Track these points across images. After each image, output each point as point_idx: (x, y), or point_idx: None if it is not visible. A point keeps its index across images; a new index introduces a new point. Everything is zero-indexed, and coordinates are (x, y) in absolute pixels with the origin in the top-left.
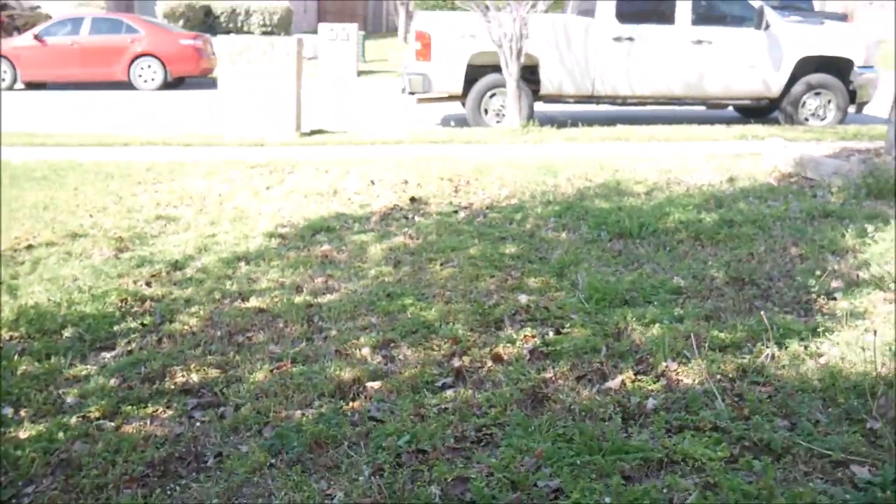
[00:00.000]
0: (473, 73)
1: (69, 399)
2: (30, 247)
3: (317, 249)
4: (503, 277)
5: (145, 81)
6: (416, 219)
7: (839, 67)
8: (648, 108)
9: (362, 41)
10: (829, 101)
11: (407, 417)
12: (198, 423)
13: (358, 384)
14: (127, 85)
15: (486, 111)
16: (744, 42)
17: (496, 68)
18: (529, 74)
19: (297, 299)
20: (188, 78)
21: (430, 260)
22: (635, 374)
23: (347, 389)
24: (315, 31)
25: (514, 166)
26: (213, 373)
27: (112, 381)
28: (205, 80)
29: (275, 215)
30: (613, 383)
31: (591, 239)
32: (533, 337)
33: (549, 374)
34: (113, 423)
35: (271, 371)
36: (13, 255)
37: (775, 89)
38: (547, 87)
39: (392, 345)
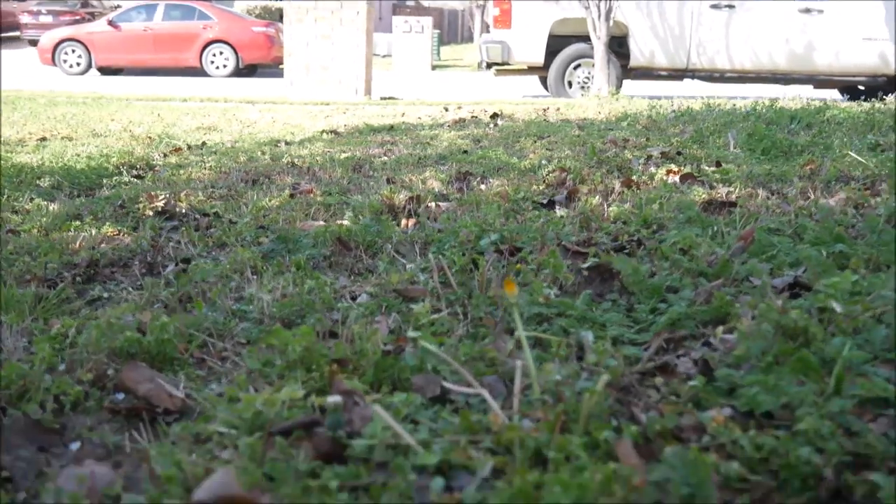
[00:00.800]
0: (556, 43)
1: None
2: (43, 139)
3: (377, 137)
4: None
5: (217, 68)
6: (499, 122)
7: None
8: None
9: (438, 39)
10: None
11: (496, 219)
12: (168, 238)
13: (418, 204)
14: (199, 71)
15: (569, 84)
16: (859, 11)
17: (581, 38)
18: (617, 46)
19: (343, 156)
20: (260, 66)
21: (514, 136)
22: None
23: (401, 209)
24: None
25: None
26: (215, 204)
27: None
28: (278, 70)
29: (332, 125)
30: None
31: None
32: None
33: None
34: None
35: (291, 196)
36: (21, 143)
37: (894, 64)
38: (637, 58)
39: (471, 177)
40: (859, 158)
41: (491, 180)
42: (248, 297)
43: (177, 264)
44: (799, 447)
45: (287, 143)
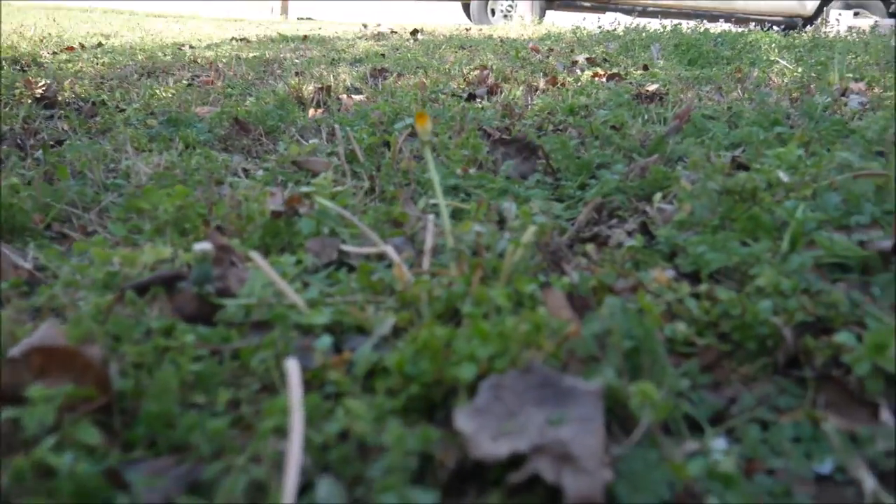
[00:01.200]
0: None
1: None
2: None
3: (289, 45)
4: None
5: None
6: (420, 37)
7: None
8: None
9: None
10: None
11: (411, 104)
12: (44, 125)
13: (328, 95)
14: None
15: (493, 12)
16: None
17: None
18: None
19: (251, 55)
20: None
21: (435, 46)
22: None
23: (309, 100)
24: None
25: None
26: (102, 93)
27: None
28: None
29: (243, 34)
30: None
31: None
32: None
33: None
34: None
35: (188, 85)
36: None
37: (809, 6)
38: None
39: (387, 73)
40: (787, 65)
41: (408, 75)
42: (125, 169)
43: (52, 146)
44: (756, 305)
45: (192, 47)
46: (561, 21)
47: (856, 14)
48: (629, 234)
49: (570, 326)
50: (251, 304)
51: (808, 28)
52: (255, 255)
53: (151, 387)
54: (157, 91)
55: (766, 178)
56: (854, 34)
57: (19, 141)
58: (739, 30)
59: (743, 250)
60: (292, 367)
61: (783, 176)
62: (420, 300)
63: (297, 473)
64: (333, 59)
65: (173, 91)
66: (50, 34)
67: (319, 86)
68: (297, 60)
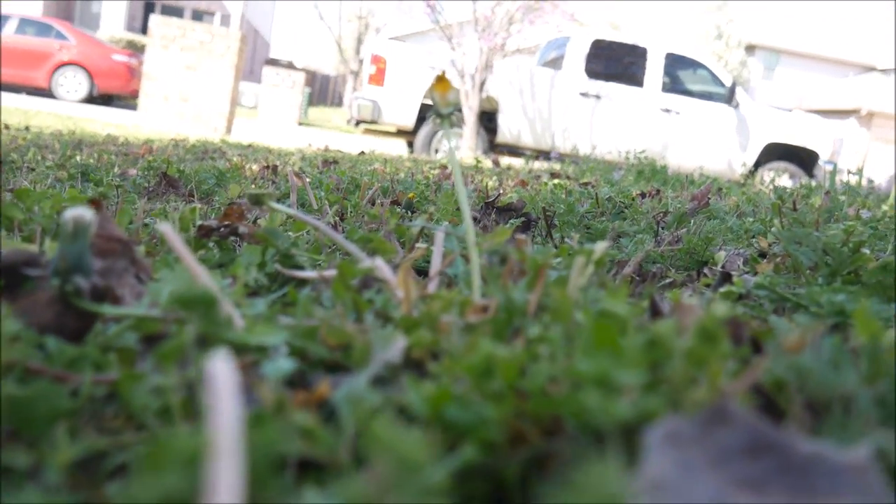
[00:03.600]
0: (427, 109)
1: None
2: None
3: (233, 150)
4: None
5: (67, 92)
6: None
7: (804, 158)
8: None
9: (307, 98)
10: None
11: (372, 180)
12: None
13: (275, 174)
14: (47, 94)
15: (436, 151)
16: (713, 118)
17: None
18: (487, 121)
19: (190, 144)
20: (118, 98)
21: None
22: None
23: (253, 177)
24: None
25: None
26: (11, 154)
27: None
28: (136, 104)
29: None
30: None
31: None
32: None
33: None
34: None
35: (116, 154)
36: None
37: (739, 172)
38: (505, 134)
39: (336, 164)
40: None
41: (362, 166)
42: None
43: None
44: None
45: (127, 140)
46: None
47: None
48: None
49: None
50: (150, 317)
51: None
52: (166, 229)
53: None
54: (78, 156)
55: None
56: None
57: None
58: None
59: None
60: (219, 372)
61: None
62: (441, 323)
63: None
64: (279, 155)
65: (97, 155)
66: None
67: (265, 165)
68: (239, 154)
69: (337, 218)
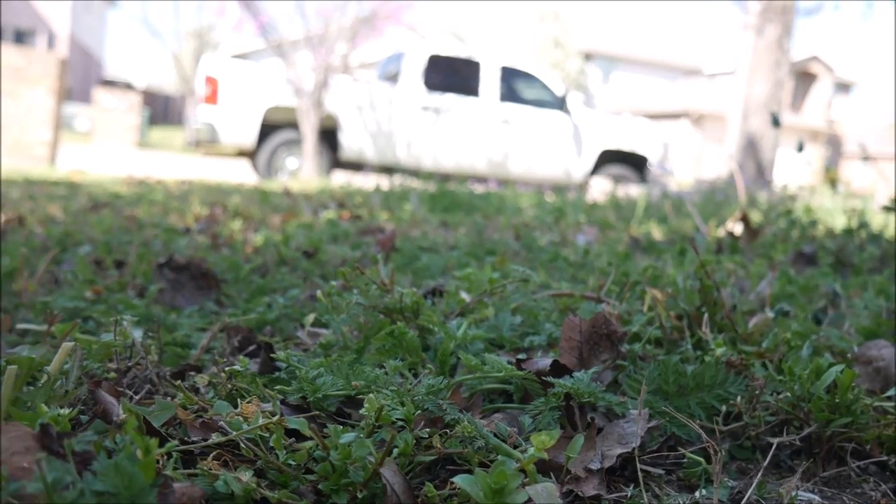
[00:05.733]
0: (267, 129)
1: None
2: None
3: (43, 188)
4: None
5: None
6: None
7: (636, 162)
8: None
9: (147, 119)
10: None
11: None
12: None
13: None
14: None
15: (278, 172)
16: (550, 127)
17: (293, 125)
18: (330, 138)
19: None
20: None
21: (186, 194)
22: None
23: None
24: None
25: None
26: None
27: None
28: None
29: None
30: None
31: None
32: None
33: None
34: None
35: None
36: None
37: (576, 176)
38: (347, 151)
39: (106, 207)
40: (531, 211)
41: (127, 209)
42: None
43: None
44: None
45: None
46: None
47: (616, 181)
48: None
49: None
50: None
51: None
52: None
53: None
54: None
55: (451, 299)
56: (603, 195)
57: None
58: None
59: (373, 374)
60: None
61: (466, 296)
62: None
63: None
64: (65, 197)
65: None
66: None
67: (11, 216)
68: (15, 196)
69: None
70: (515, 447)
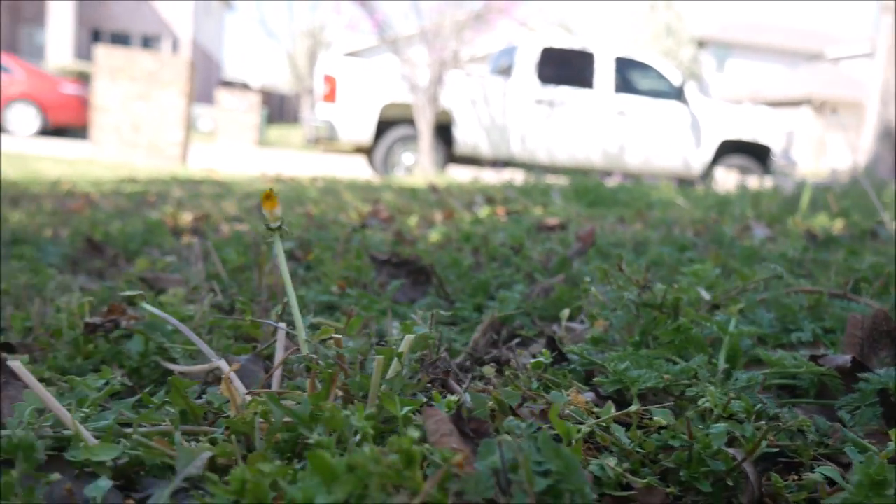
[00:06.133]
0: (383, 126)
1: None
2: None
3: (182, 185)
4: None
5: (19, 127)
6: (320, 184)
7: (759, 153)
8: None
9: (265, 118)
10: None
11: (295, 230)
12: None
13: (206, 223)
14: None
15: (394, 167)
16: (668, 118)
17: (409, 121)
18: (445, 133)
19: (133, 189)
20: (72, 129)
21: (334, 188)
22: None
23: (187, 229)
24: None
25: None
26: None
27: None
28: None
29: (134, 176)
30: None
31: None
32: None
33: None
34: None
35: (54, 213)
36: None
37: (695, 168)
38: (461, 146)
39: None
40: (685, 206)
41: (298, 207)
42: None
43: None
44: (705, 433)
45: (74, 183)
46: (463, 175)
47: (742, 172)
48: (534, 356)
49: (456, 458)
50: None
51: (699, 185)
52: (16, 365)
53: None
54: (14, 215)
55: (686, 295)
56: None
57: None
58: (631, 184)
59: (675, 367)
60: None
61: (704, 293)
62: (253, 427)
63: None
64: (221, 195)
65: (26, 214)
66: None
67: (199, 214)
68: (182, 194)
69: (237, 288)
70: (843, 442)
